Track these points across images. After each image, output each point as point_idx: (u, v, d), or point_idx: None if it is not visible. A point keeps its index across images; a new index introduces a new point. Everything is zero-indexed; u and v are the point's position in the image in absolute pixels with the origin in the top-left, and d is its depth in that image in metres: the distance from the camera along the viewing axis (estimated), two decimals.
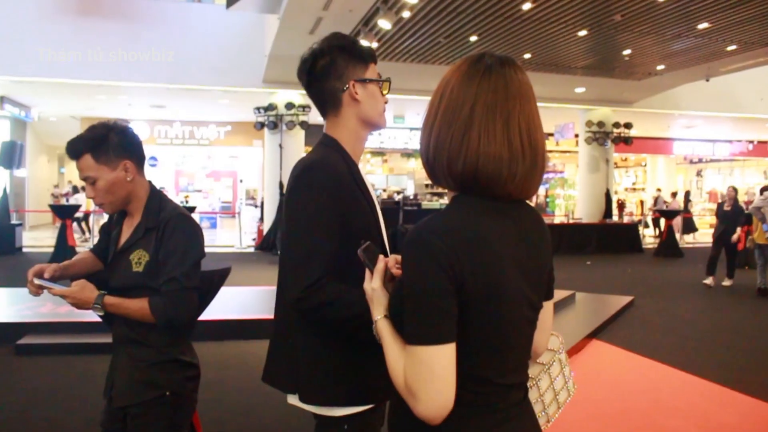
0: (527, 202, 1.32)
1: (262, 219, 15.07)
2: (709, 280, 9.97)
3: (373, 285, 1.32)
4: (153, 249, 2.02)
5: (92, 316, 2.10)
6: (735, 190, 10.60)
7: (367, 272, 1.36)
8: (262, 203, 16.67)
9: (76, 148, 2.04)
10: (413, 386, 1.12)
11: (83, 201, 14.55)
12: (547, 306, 1.39)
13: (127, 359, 2.08)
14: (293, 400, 1.83)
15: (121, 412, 2.08)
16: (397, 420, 1.29)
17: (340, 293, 1.63)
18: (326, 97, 1.83)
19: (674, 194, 21.12)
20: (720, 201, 10.74)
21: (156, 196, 2.15)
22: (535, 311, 1.29)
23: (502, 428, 1.22)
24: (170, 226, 2.03)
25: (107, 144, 2.03)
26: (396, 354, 1.20)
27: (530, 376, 1.43)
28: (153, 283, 2.01)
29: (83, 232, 16.27)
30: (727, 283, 10.06)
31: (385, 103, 1.90)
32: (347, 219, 1.70)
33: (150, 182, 2.19)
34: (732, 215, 10.11)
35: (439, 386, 1.11)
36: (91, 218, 14.78)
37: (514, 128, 1.20)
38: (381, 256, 1.36)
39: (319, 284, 1.61)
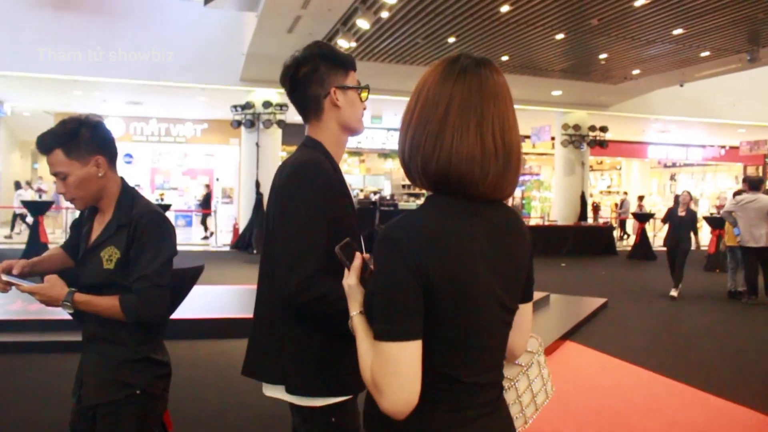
0: (504, 202, 1.32)
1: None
2: (674, 292, 9.37)
3: (349, 282, 1.33)
4: (124, 246, 2.00)
5: (62, 314, 2.07)
6: (689, 194, 9.99)
7: (345, 269, 1.38)
8: (207, 196, 16.80)
9: (46, 143, 2.01)
10: (378, 381, 1.13)
11: (25, 197, 14.32)
12: (525, 308, 1.40)
13: (97, 357, 2.05)
14: (271, 392, 1.86)
15: (90, 412, 2.05)
16: (372, 410, 1.29)
17: (330, 289, 1.67)
18: (308, 103, 1.90)
19: (641, 198, 21.44)
20: (671, 206, 10.05)
21: (128, 193, 2.12)
22: (508, 312, 1.29)
23: (468, 427, 1.23)
24: (142, 223, 2.00)
25: (78, 139, 2.00)
26: (365, 349, 1.21)
27: (508, 377, 1.45)
28: (124, 280, 1.98)
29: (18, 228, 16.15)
30: (674, 293, 9.37)
31: (364, 109, 1.98)
32: (336, 218, 1.77)
33: (122, 178, 2.16)
34: (687, 221, 9.45)
35: (403, 382, 1.12)
36: (64, 214, 14.56)
37: (488, 128, 1.21)
38: (358, 253, 1.38)
39: (313, 279, 1.67)
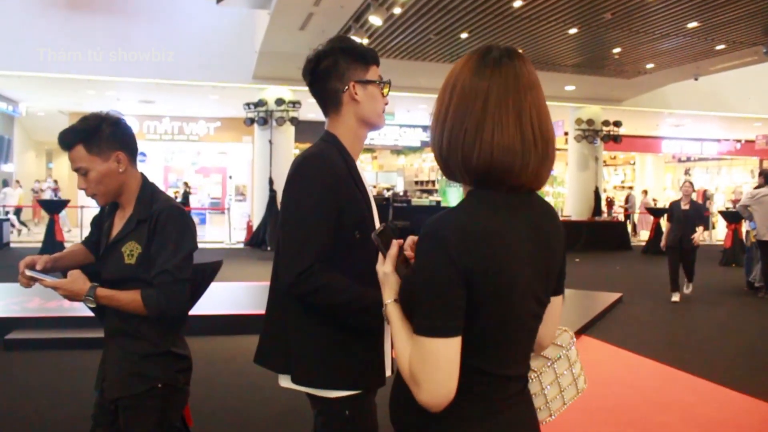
0: (538, 193, 1.33)
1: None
2: (676, 297, 8.51)
3: (385, 269, 1.34)
4: (145, 241, 2.02)
5: (81, 311, 2.12)
6: (692, 184, 8.98)
7: (380, 256, 1.38)
8: (186, 195, 16.36)
9: (68, 139, 2.03)
10: (417, 375, 1.14)
11: (13, 195, 14.35)
12: (556, 300, 1.40)
13: (119, 351, 2.07)
14: (285, 382, 1.88)
15: (113, 405, 2.07)
16: (398, 407, 1.32)
17: (331, 280, 1.71)
18: (328, 97, 1.91)
19: (645, 192, 21.35)
20: (675, 200, 8.85)
21: (148, 188, 2.14)
22: (542, 306, 1.30)
23: (497, 418, 1.24)
24: (162, 218, 2.02)
25: (99, 135, 2.02)
26: (403, 340, 1.22)
27: (533, 368, 1.45)
28: (145, 275, 2.00)
29: (20, 227, 16.26)
30: (687, 290, 8.85)
31: (386, 104, 1.98)
32: (342, 211, 1.77)
33: (142, 174, 2.18)
34: (692, 216, 8.48)
35: (442, 377, 1.13)
36: (79, 212, 14.70)
37: (526, 119, 1.22)
38: (395, 241, 1.37)
39: (311, 271, 1.69)
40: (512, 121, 1.20)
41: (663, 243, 8.76)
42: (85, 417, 2.25)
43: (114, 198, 2.13)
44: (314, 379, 1.82)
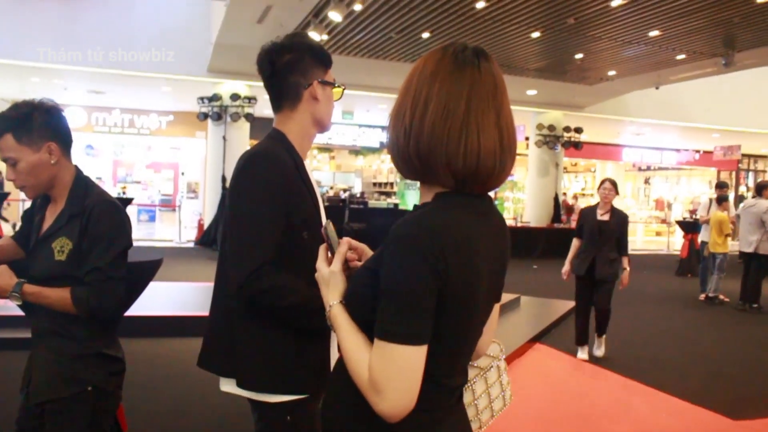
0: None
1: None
2: (583, 354, 5.87)
3: (333, 268, 1.29)
4: (77, 237, 1.95)
5: (7, 309, 2.03)
6: (614, 184, 5.91)
7: (323, 252, 1.34)
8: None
9: None
10: (380, 383, 1.10)
11: None
12: (495, 308, 1.38)
13: (47, 353, 2.00)
14: (227, 386, 1.87)
15: (39, 409, 2.00)
16: (332, 415, 1.28)
17: (280, 282, 1.70)
18: (287, 91, 1.89)
19: (575, 197, 21.67)
20: (588, 206, 6.26)
21: (81, 182, 2.06)
22: (488, 314, 1.33)
23: (436, 428, 1.22)
24: (95, 212, 1.96)
25: (31, 124, 1.95)
26: (355, 344, 1.18)
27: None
28: (76, 272, 1.94)
29: None
30: (599, 351, 6.01)
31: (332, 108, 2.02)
32: (290, 211, 1.76)
33: (76, 167, 2.09)
34: (611, 230, 5.72)
35: (407, 386, 1.10)
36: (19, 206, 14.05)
37: (503, 122, 1.22)
38: (344, 239, 1.34)
39: (260, 272, 1.67)
40: (492, 123, 1.20)
41: (565, 270, 6.03)
42: (9, 423, 2.16)
43: (45, 191, 2.05)
44: (259, 384, 1.79)
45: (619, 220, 5.79)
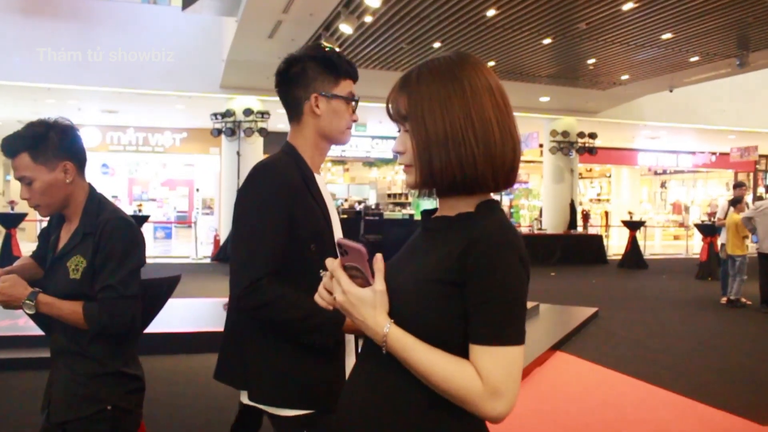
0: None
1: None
2: None
3: (379, 287, 1.19)
4: (90, 255, 1.95)
5: (29, 330, 2.06)
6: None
7: (343, 273, 1.20)
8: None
9: (12, 146, 1.96)
10: (501, 387, 1.11)
11: None
12: None
13: (66, 372, 1.99)
14: (246, 398, 1.83)
15: (60, 429, 1.98)
16: None
17: (281, 294, 1.66)
18: (290, 104, 1.88)
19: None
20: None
21: (95, 200, 2.06)
22: None
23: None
24: (107, 229, 1.95)
25: (47, 143, 1.95)
26: (443, 358, 1.15)
27: None
28: (90, 290, 1.93)
29: None
30: None
31: (354, 121, 1.92)
32: (296, 223, 1.73)
33: (90, 185, 2.10)
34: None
35: (518, 384, 1.15)
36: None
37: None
38: (378, 256, 1.23)
39: (259, 284, 1.64)
40: (514, 125, 1.25)
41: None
42: None
43: (59, 209, 2.06)
44: (270, 397, 1.77)
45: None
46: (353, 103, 1.89)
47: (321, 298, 1.25)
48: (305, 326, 1.68)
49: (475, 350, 1.13)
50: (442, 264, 1.18)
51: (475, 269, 1.13)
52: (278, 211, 1.71)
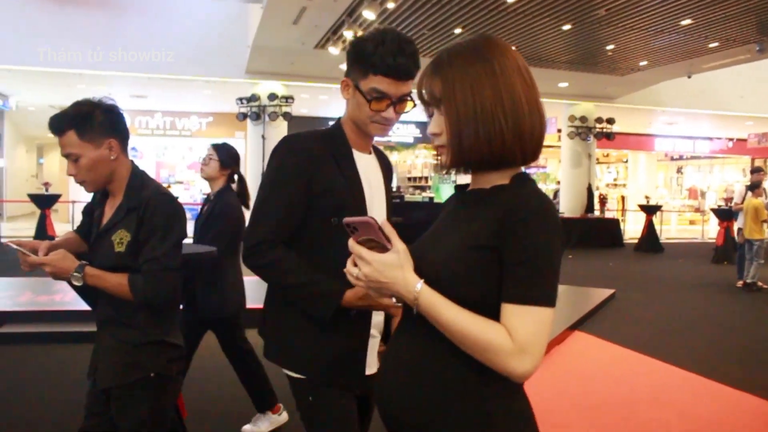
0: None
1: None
2: None
3: (401, 247, 1.22)
4: (134, 229, 2.01)
5: (73, 305, 2.14)
6: None
7: (361, 246, 1.22)
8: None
9: (59, 124, 2.01)
10: (529, 345, 1.14)
11: None
12: None
13: (111, 340, 2.06)
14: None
15: (105, 395, 2.07)
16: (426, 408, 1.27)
17: (276, 259, 1.74)
18: None
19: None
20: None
21: (138, 176, 2.12)
22: None
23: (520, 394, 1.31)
24: (151, 205, 2.01)
25: (92, 121, 2.00)
26: (471, 315, 1.18)
27: None
28: (134, 263, 1.99)
29: None
30: None
31: (386, 118, 1.84)
32: (313, 194, 1.77)
33: (132, 162, 2.16)
34: None
35: (545, 344, 1.18)
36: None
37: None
38: (383, 219, 1.37)
39: (258, 248, 1.74)
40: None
41: None
42: (79, 406, 2.23)
43: (103, 186, 2.11)
44: (276, 356, 1.87)
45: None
46: (374, 101, 1.79)
47: (350, 274, 1.26)
48: (302, 294, 1.74)
49: (506, 309, 1.17)
50: (482, 231, 1.21)
51: (512, 234, 1.18)
52: (290, 182, 1.76)
